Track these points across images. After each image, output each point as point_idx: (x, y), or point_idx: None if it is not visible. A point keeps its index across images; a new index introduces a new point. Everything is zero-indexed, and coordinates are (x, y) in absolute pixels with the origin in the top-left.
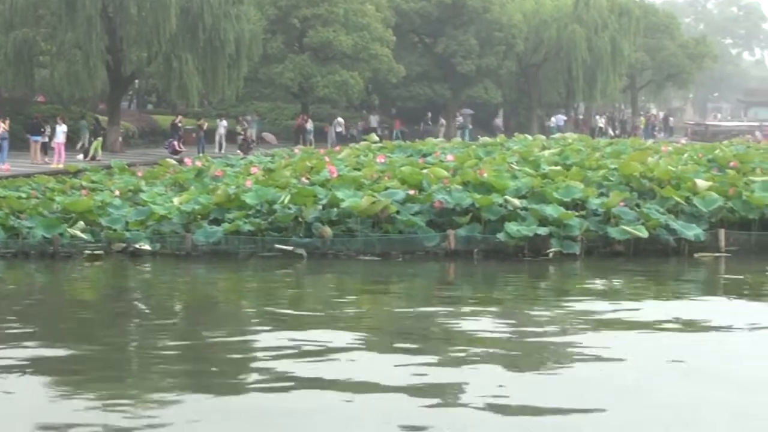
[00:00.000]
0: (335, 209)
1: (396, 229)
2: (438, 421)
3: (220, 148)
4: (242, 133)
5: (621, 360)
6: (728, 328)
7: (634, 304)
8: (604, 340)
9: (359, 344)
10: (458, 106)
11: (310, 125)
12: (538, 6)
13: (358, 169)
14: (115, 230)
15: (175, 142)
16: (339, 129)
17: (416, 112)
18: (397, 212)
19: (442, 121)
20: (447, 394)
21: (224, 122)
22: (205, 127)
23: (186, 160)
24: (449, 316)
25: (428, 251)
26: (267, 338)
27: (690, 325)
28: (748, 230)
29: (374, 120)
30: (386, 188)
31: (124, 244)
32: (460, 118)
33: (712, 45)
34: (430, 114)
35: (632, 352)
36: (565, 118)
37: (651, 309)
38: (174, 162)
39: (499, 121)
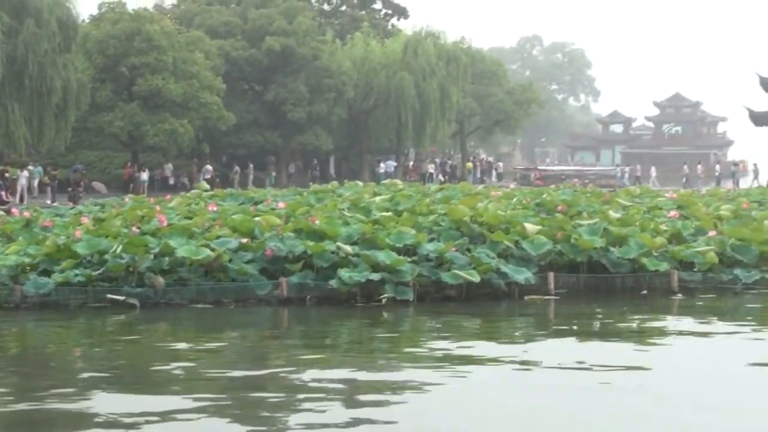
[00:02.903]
0: (167, 258)
1: (229, 278)
2: None
3: (22, 199)
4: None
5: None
6: (551, 375)
7: (464, 345)
8: (430, 380)
9: (181, 405)
10: (289, 153)
11: (145, 175)
12: (367, 53)
13: (190, 218)
14: None
15: (2, 193)
16: (207, 176)
17: (247, 159)
18: (230, 260)
19: (237, 168)
20: None
21: (25, 173)
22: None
23: (13, 210)
24: (279, 366)
25: (261, 299)
26: (95, 400)
27: (515, 366)
28: (577, 272)
29: (168, 169)
30: (218, 237)
31: None
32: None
33: (539, 91)
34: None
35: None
36: (395, 164)
37: (480, 353)
38: (1, 213)
39: (291, 167)
